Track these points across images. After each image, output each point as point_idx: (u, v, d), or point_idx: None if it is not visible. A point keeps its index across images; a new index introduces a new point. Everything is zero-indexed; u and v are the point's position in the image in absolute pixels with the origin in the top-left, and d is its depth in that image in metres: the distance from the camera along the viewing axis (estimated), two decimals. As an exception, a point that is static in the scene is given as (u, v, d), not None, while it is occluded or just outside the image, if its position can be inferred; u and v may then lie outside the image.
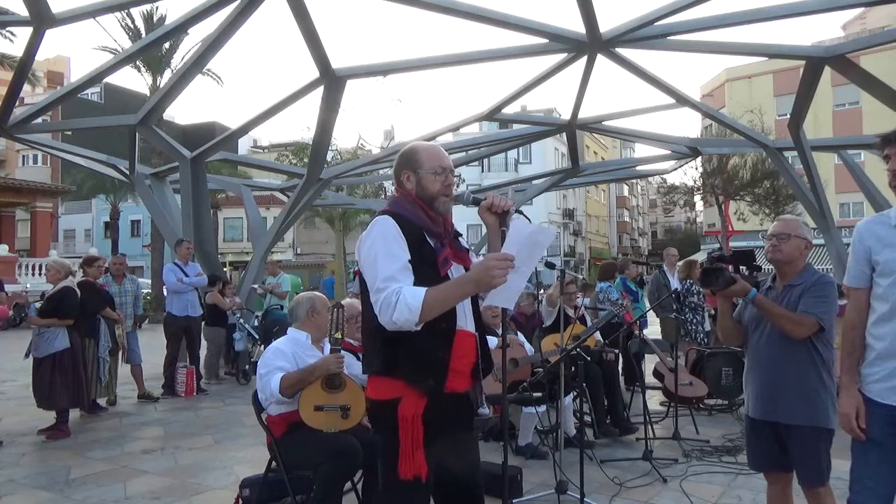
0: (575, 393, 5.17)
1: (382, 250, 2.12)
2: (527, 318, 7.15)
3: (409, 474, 2.09)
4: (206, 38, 7.98)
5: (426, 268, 2.16)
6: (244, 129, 9.79)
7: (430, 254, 2.20)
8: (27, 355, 6.18)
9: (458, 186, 2.48)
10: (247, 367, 9.16)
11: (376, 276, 2.10)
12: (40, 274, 19.61)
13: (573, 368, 4.68)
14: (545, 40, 7.39)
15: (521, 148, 27.76)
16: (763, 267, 3.35)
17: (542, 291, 6.19)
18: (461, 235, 2.42)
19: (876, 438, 2.28)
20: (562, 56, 7.82)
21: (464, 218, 2.42)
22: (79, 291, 6.48)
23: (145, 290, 17.13)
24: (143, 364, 7.92)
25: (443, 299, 2.05)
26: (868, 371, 2.35)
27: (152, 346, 9.19)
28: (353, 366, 3.73)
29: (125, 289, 7.75)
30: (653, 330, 8.86)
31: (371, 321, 2.18)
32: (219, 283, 9.18)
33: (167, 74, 21.36)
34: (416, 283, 2.10)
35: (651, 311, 7.79)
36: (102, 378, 7.03)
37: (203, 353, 8.92)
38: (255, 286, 10.26)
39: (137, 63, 21.30)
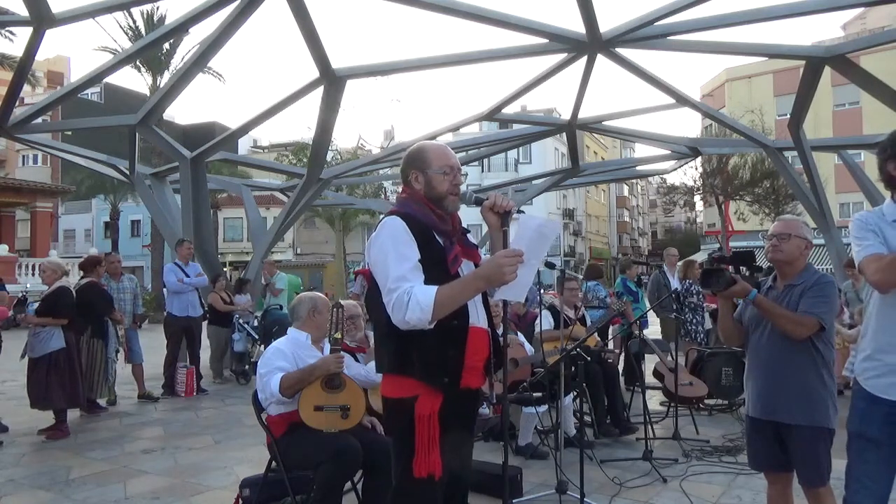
0: (575, 393, 5.17)
1: (392, 251, 2.13)
2: (519, 317, 7.17)
3: (424, 472, 2.11)
4: (206, 38, 7.98)
5: (436, 267, 2.16)
6: (244, 129, 9.79)
7: (440, 252, 2.21)
8: (23, 356, 6.18)
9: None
10: (246, 367, 9.16)
11: (387, 276, 2.11)
12: (40, 274, 19.60)
13: (573, 368, 4.68)
14: (545, 40, 7.39)
15: (521, 148, 27.79)
16: (765, 267, 3.34)
17: (541, 291, 6.20)
18: (469, 232, 2.43)
19: (875, 437, 2.27)
20: (562, 56, 7.82)
21: (464, 218, 2.42)
22: (87, 292, 6.53)
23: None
24: (144, 364, 7.92)
25: (454, 296, 2.06)
26: (867, 365, 2.33)
27: (152, 346, 9.18)
28: (351, 367, 3.73)
29: (123, 286, 7.77)
30: (653, 330, 8.87)
31: (383, 322, 2.18)
32: (221, 280, 9.20)
33: (167, 74, 21.37)
34: (426, 282, 2.10)
35: (651, 311, 7.81)
36: (110, 378, 7.07)
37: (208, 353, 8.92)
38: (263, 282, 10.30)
39: (137, 63, 21.30)
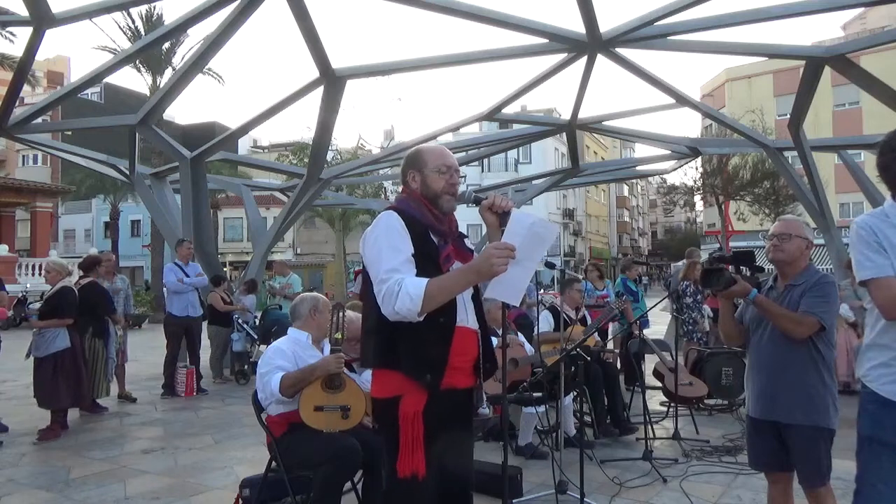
0: (575, 393, 5.17)
1: (386, 243, 2.15)
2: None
3: (408, 472, 2.11)
4: (206, 38, 7.98)
5: (428, 264, 2.17)
6: (244, 129, 9.79)
7: (433, 251, 2.22)
8: (28, 356, 6.18)
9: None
10: (245, 367, 9.15)
11: (380, 267, 2.13)
12: (40, 274, 19.57)
13: (573, 368, 4.68)
14: (545, 40, 7.39)
15: (521, 148, 27.78)
16: (766, 268, 3.34)
17: (541, 291, 6.20)
18: (466, 237, 2.43)
19: (888, 441, 2.22)
20: (562, 56, 7.82)
21: (464, 218, 2.42)
22: (88, 293, 6.53)
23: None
24: (143, 364, 7.93)
25: (444, 289, 2.07)
26: (882, 371, 2.27)
27: (152, 346, 9.20)
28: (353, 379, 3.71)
29: (116, 286, 7.78)
30: (657, 329, 8.86)
31: (371, 316, 2.20)
32: (223, 284, 9.23)
33: (167, 74, 21.36)
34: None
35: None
36: (110, 378, 7.08)
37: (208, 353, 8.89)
38: (270, 285, 10.26)
39: (137, 63, 21.30)
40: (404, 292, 2.03)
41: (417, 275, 2.12)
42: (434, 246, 2.23)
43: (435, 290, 2.04)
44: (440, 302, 2.07)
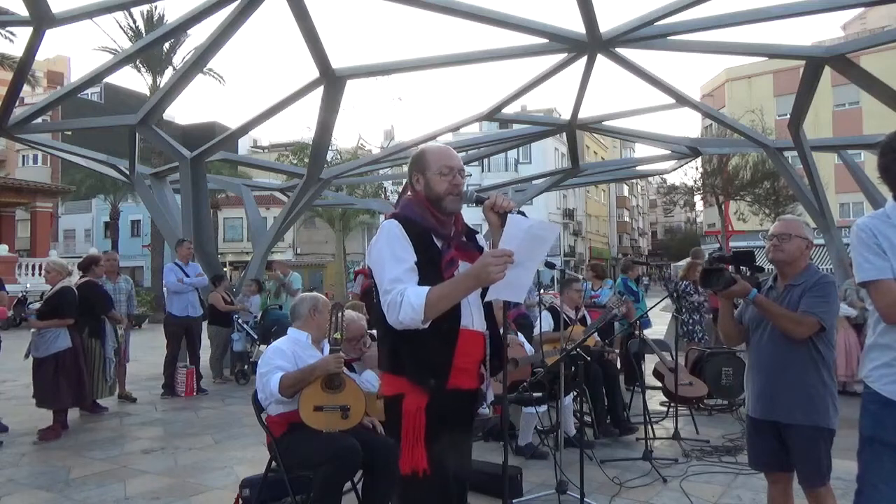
0: (575, 393, 5.16)
1: (388, 254, 2.17)
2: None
3: (408, 469, 2.13)
4: (206, 38, 7.98)
5: (430, 270, 2.18)
6: (244, 129, 9.80)
7: (436, 255, 2.23)
8: (27, 356, 6.18)
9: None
10: (245, 367, 9.15)
11: (383, 278, 2.16)
12: (40, 274, 19.56)
13: (573, 368, 4.68)
14: (545, 40, 7.40)
15: (521, 148, 27.77)
16: (766, 267, 3.34)
17: (541, 291, 6.20)
18: (477, 233, 2.43)
19: (890, 441, 2.22)
20: (562, 56, 7.83)
21: (467, 218, 2.42)
22: (85, 292, 6.52)
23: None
24: (143, 364, 7.92)
25: (445, 296, 2.07)
26: (884, 371, 2.26)
27: (152, 346, 9.19)
28: (353, 378, 3.72)
29: (119, 287, 7.78)
30: (658, 329, 8.85)
31: (382, 321, 2.22)
32: (224, 282, 9.21)
33: (167, 74, 21.37)
34: (422, 284, 2.12)
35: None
36: (109, 378, 7.07)
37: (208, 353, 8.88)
38: (281, 278, 10.24)
39: (137, 63, 21.31)
40: (406, 302, 2.05)
41: (420, 281, 2.13)
42: (437, 250, 2.24)
43: (435, 299, 2.05)
44: (442, 309, 2.08)
